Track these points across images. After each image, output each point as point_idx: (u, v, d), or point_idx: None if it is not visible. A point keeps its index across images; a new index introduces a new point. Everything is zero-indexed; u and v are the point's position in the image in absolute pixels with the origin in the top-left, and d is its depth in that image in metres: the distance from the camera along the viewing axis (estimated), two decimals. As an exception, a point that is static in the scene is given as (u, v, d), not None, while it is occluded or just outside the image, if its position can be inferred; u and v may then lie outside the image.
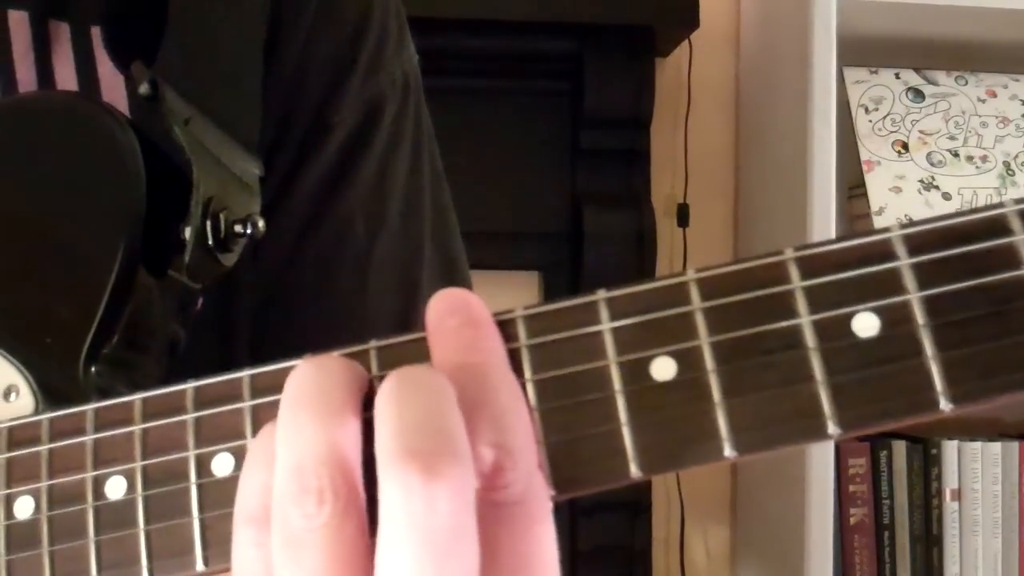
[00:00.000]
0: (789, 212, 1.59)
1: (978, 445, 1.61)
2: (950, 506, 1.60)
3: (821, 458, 1.51)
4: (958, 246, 0.32)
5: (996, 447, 1.62)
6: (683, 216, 1.78)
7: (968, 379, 0.31)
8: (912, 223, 0.32)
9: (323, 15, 0.60)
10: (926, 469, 1.61)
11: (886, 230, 0.32)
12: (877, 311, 0.32)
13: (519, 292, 1.74)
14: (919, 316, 0.32)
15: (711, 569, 1.82)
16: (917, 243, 0.32)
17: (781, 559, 1.62)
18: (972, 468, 1.61)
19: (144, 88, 0.48)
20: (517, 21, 1.63)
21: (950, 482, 1.61)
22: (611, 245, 1.68)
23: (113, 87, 0.55)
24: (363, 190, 0.61)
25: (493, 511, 0.32)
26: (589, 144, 1.72)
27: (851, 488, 1.59)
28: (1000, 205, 0.32)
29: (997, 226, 0.32)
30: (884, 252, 0.32)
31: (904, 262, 0.32)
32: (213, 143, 0.51)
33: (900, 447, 1.61)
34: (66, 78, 0.54)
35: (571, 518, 1.68)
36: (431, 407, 0.32)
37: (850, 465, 1.60)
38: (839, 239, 0.33)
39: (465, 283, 0.64)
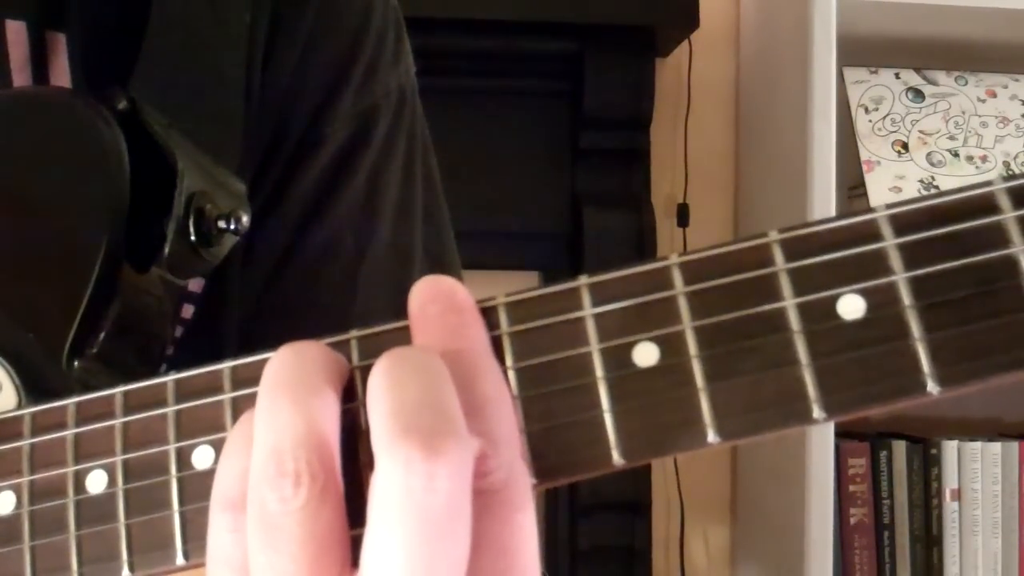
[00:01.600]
0: (789, 212, 1.59)
1: (978, 445, 1.61)
2: (950, 506, 1.60)
3: (821, 458, 1.51)
4: (945, 225, 0.31)
5: (996, 447, 1.62)
6: (683, 216, 1.78)
7: (956, 361, 0.30)
8: (898, 203, 0.32)
9: (321, 25, 0.60)
10: (926, 469, 1.61)
11: (872, 210, 0.32)
12: (863, 293, 0.31)
13: (519, 292, 1.74)
14: (905, 297, 0.31)
15: (711, 569, 1.82)
16: (903, 223, 0.31)
17: (781, 559, 1.62)
18: (972, 468, 1.61)
19: (123, 104, 0.48)
20: (517, 21, 1.63)
21: (950, 482, 1.61)
22: (611, 245, 1.68)
23: None
24: (353, 204, 0.60)
25: (477, 499, 0.32)
26: (589, 144, 1.72)
27: (851, 488, 1.59)
28: (988, 183, 0.31)
29: (984, 205, 0.31)
30: (870, 233, 0.32)
31: (890, 243, 0.31)
32: (195, 151, 0.50)
33: (900, 447, 1.61)
34: None
35: (571, 518, 1.69)
36: (429, 386, 0.32)
37: (850, 465, 1.60)
38: (824, 220, 0.32)
39: None
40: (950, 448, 1.61)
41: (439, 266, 0.63)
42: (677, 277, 0.33)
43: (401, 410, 0.31)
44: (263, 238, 0.58)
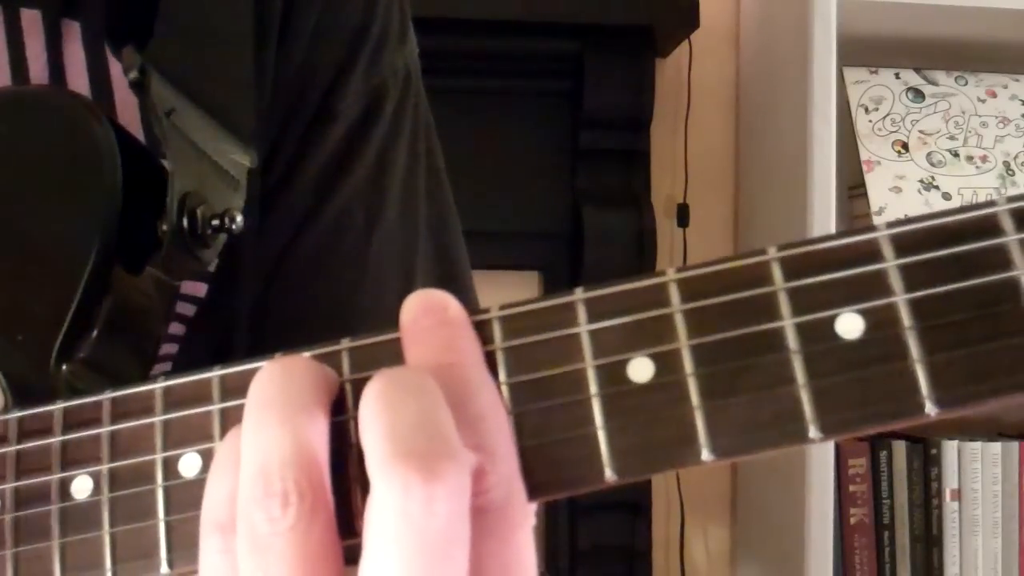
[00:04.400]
0: (789, 212, 1.59)
1: (978, 445, 1.61)
2: (950, 506, 1.60)
3: (821, 458, 1.51)
4: (947, 247, 0.31)
5: (996, 447, 1.62)
6: (683, 216, 1.78)
7: (955, 383, 0.30)
8: (900, 222, 0.31)
9: (332, 4, 0.60)
10: (926, 469, 1.61)
11: (873, 229, 0.32)
12: (862, 313, 0.31)
13: (519, 292, 1.73)
14: (905, 318, 0.31)
15: (711, 569, 1.82)
16: (904, 243, 0.31)
17: (781, 559, 1.62)
18: (972, 468, 1.61)
19: (133, 75, 0.48)
20: (517, 21, 1.63)
21: (950, 482, 1.61)
22: (611, 245, 1.68)
23: (123, 86, 0.55)
24: (363, 180, 0.61)
25: (476, 517, 0.31)
26: (589, 144, 1.72)
27: (851, 488, 1.59)
28: (992, 203, 0.31)
29: (987, 226, 0.31)
30: (871, 252, 0.31)
31: (891, 263, 0.31)
32: (199, 134, 0.50)
33: (900, 447, 1.61)
34: (77, 77, 0.54)
35: (571, 518, 1.69)
36: (424, 408, 0.31)
37: (850, 465, 1.60)
38: (824, 238, 0.32)
39: (461, 276, 0.64)
40: (950, 448, 1.61)
41: (440, 243, 0.63)
42: (674, 294, 0.33)
43: (397, 433, 0.31)
44: (277, 213, 0.59)
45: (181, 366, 0.52)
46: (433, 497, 0.30)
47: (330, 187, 0.60)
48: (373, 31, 0.61)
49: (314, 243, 0.60)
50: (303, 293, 0.60)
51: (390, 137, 0.62)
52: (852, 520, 1.59)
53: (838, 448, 1.57)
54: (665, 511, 1.77)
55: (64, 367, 0.44)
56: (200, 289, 0.57)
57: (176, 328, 0.57)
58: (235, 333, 0.59)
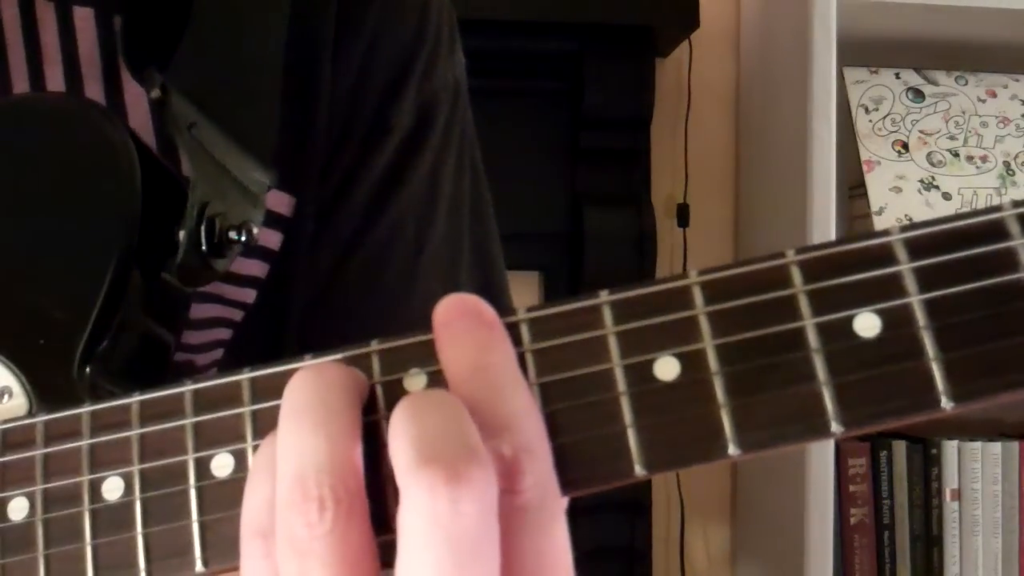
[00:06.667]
0: (789, 212, 1.59)
1: (978, 445, 1.61)
2: (950, 506, 1.60)
3: (821, 458, 1.51)
4: (958, 250, 0.32)
5: (996, 447, 1.62)
6: (683, 216, 1.78)
7: (969, 379, 0.32)
8: (912, 225, 0.33)
9: (385, 18, 0.61)
10: (926, 469, 1.61)
11: (886, 232, 0.33)
12: (878, 312, 0.32)
13: (519, 292, 1.73)
14: (920, 318, 0.32)
15: (711, 569, 1.82)
16: (917, 246, 0.33)
17: (781, 559, 1.62)
18: (972, 468, 1.61)
19: (155, 92, 0.49)
20: (517, 21, 1.63)
21: (950, 482, 1.61)
22: (611, 245, 1.68)
23: (136, 100, 0.55)
24: (416, 192, 0.62)
25: (516, 515, 0.32)
26: (589, 144, 1.72)
27: (851, 488, 1.59)
28: (998, 208, 0.32)
29: (995, 230, 0.32)
30: (885, 255, 0.33)
31: (905, 266, 0.32)
32: (219, 149, 0.51)
33: (900, 447, 1.61)
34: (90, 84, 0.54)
35: (571, 518, 1.68)
36: (449, 418, 0.32)
37: (850, 465, 1.60)
38: (840, 241, 0.33)
39: (501, 286, 0.65)
40: (950, 448, 1.61)
41: (484, 259, 0.65)
42: (698, 296, 0.34)
43: (423, 440, 0.32)
44: (332, 224, 0.60)
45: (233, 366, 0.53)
46: (459, 498, 0.31)
47: (384, 199, 0.61)
48: (426, 44, 0.62)
49: (366, 255, 0.61)
50: (353, 304, 0.61)
51: (441, 149, 0.63)
52: (852, 520, 1.59)
53: (838, 448, 1.57)
54: (665, 511, 1.77)
55: (87, 370, 0.44)
56: (249, 295, 0.58)
57: (223, 333, 0.57)
58: (284, 340, 0.60)
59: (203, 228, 0.48)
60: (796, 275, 0.33)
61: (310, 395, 0.34)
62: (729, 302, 0.34)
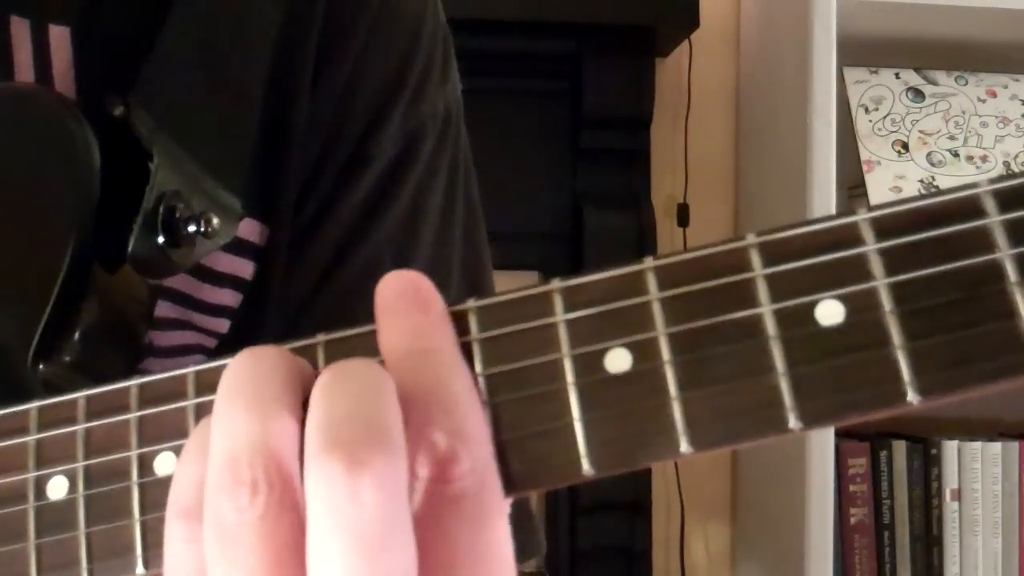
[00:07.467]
0: (789, 212, 1.59)
1: (978, 445, 1.61)
2: (950, 506, 1.60)
3: (821, 458, 1.51)
4: (928, 230, 0.30)
5: (996, 447, 1.62)
6: (683, 216, 1.78)
7: (937, 369, 0.29)
8: (880, 205, 0.30)
9: (372, 42, 0.59)
10: (926, 469, 1.61)
11: (852, 213, 0.31)
12: (842, 298, 0.30)
13: (519, 292, 1.74)
14: (886, 303, 0.30)
15: (711, 569, 1.82)
16: (885, 227, 0.30)
17: (781, 559, 1.62)
18: (972, 468, 1.61)
19: (119, 111, 0.47)
20: (517, 21, 1.64)
21: (950, 482, 1.61)
22: (611, 245, 1.68)
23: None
24: (394, 226, 0.59)
25: (449, 505, 0.31)
26: (589, 144, 1.72)
27: (851, 488, 1.59)
28: (974, 185, 0.30)
29: (969, 208, 0.30)
30: (850, 237, 0.30)
31: (871, 247, 0.30)
32: (185, 165, 0.49)
33: (900, 447, 1.61)
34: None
35: (571, 518, 1.69)
36: (362, 399, 0.31)
37: (850, 465, 1.60)
38: (803, 223, 0.31)
39: None
40: (950, 448, 1.61)
41: (472, 284, 0.62)
42: (652, 282, 0.32)
43: (327, 423, 0.30)
44: (306, 255, 0.58)
45: None
46: (358, 488, 0.29)
47: (363, 229, 0.59)
48: (412, 77, 0.60)
49: (342, 287, 0.58)
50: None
51: (426, 180, 0.61)
52: (852, 520, 1.59)
53: (838, 448, 1.57)
54: (665, 511, 1.77)
55: (42, 367, 0.43)
56: (222, 325, 0.56)
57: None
58: None
59: (160, 216, 0.46)
60: (755, 259, 0.31)
61: (247, 377, 0.32)
62: (684, 287, 0.31)
